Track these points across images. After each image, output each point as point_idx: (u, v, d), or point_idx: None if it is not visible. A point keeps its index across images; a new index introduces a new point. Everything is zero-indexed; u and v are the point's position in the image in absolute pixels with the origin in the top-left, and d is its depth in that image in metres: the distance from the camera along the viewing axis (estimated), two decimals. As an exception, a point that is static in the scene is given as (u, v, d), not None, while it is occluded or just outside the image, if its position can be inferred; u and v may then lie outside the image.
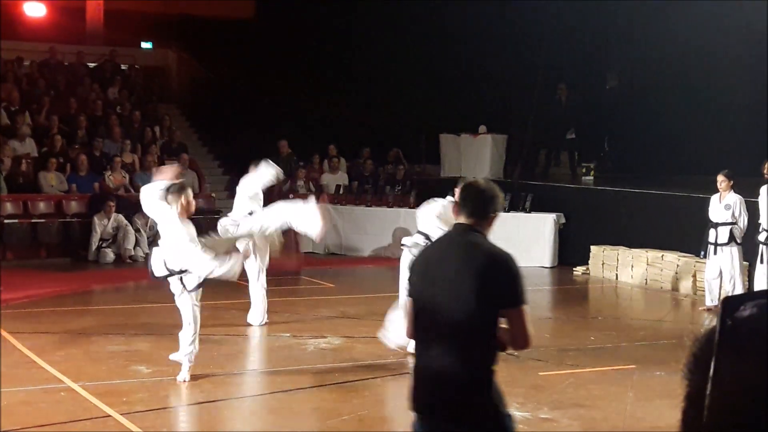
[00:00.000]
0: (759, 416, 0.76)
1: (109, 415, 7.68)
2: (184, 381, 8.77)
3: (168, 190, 8.80)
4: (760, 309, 0.79)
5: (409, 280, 4.77)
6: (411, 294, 4.71)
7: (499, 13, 20.52)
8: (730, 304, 0.81)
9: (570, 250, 17.28)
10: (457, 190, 4.90)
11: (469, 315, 4.44)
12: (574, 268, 16.91)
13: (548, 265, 17.44)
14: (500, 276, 4.48)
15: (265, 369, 9.41)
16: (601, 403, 8.50)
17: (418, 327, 4.65)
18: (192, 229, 8.72)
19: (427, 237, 10.12)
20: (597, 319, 13.08)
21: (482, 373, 4.50)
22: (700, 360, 0.82)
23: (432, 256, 4.79)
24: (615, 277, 16.05)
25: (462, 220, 4.65)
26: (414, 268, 4.80)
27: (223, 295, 14.13)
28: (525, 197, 18.14)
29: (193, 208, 8.89)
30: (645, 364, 9.49)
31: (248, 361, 9.78)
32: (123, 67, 24.68)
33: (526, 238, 17.74)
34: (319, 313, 12.52)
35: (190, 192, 8.89)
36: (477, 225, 4.61)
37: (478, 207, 4.64)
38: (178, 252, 8.72)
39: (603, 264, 16.35)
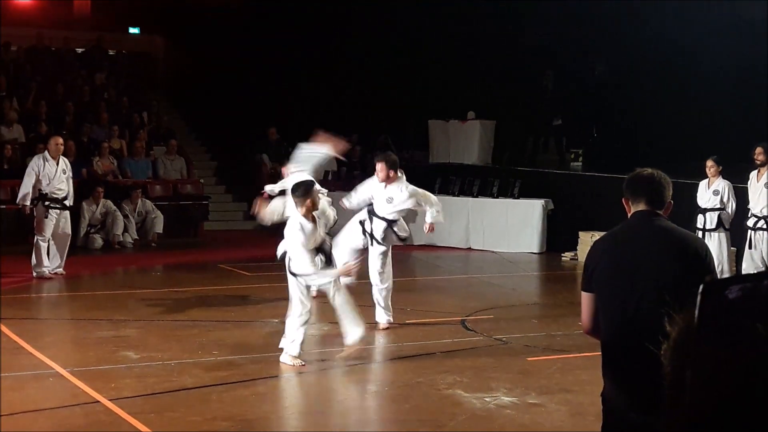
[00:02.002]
0: (739, 399, 0.76)
1: (98, 401, 7.67)
2: (284, 364, 8.95)
3: (294, 191, 8.92)
4: (739, 294, 0.80)
5: (590, 273, 4.67)
6: (595, 288, 4.61)
7: (489, 0, 20.51)
8: (709, 289, 0.81)
9: (558, 236, 17.32)
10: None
11: (677, 300, 4.34)
12: (562, 254, 16.95)
13: (536, 250, 17.48)
14: (700, 257, 4.45)
15: (255, 354, 9.41)
16: (588, 388, 8.51)
17: (610, 321, 4.51)
18: (309, 232, 8.80)
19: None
20: (585, 304, 13.10)
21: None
22: (681, 345, 0.82)
23: (618, 249, 4.62)
24: (603, 263, 16.07)
25: (641, 207, 4.60)
26: (597, 259, 4.67)
27: (211, 281, 14.14)
28: (513, 183, 18.16)
29: (317, 206, 9.05)
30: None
31: (237, 347, 9.77)
32: (110, 52, 24.61)
33: (515, 224, 17.78)
34: (321, 299, 12.51)
35: (315, 192, 8.98)
36: (657, 212, 4.58)
37: (660, 196, 4.61)
38: (287, 245, 9.04)
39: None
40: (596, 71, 20.80)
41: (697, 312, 0.80)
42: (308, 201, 8.82)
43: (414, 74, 21.49)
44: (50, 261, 14.20)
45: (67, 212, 14.46)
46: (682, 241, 4.50)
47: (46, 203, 14.06)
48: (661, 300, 4.35)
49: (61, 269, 14.35)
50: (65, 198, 14.31)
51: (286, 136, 21.26)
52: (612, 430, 4.57)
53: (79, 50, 24.14)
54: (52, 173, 14.11)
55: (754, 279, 0.81)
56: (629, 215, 4.66)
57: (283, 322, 11.12)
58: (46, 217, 14.07)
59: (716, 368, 0.77)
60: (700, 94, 18.25)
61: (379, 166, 11.01)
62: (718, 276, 12.48)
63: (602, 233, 15.43)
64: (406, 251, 17.79)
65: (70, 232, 14.52)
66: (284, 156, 20.66)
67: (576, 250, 16.68)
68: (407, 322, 11.28)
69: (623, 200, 4.74)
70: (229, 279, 14.39)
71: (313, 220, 8.93)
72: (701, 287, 0.81)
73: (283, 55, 22.93)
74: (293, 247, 8.84)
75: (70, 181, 14.60)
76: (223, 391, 8.15)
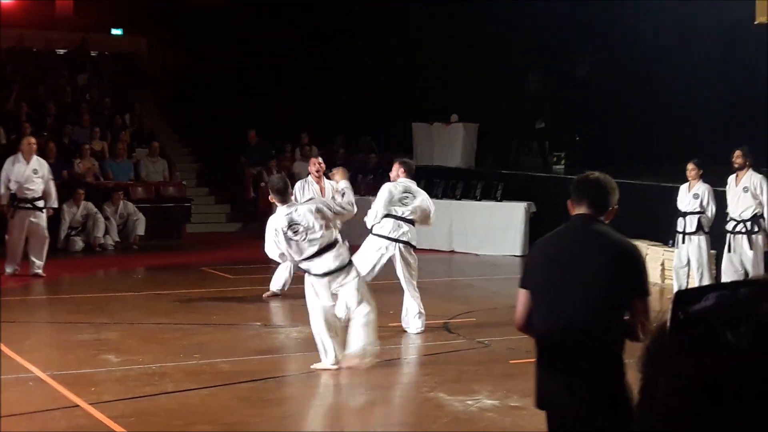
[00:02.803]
0: (711, 407, 0.76)
1: (78, 405, 7.64)
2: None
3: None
4: (710, 303, 0.80)
5: (526, 272, 4.72)
6: (528, 286, 4.65)
7: (471, 2, 20.53)
8: (681, 298, 0.81)
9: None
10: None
11: (601, 307, 4.40)
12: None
13: (519, 253, 17.49)
14: (632, 264, 4.48)
15: (236, 358, 9.39)
16: (570, 391, 8.54)
17: (541, 320, 4.59)
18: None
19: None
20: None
21: (616, 366, 4.44)
22: (653, 353, 0.82)
23: (552, 249, 4.70)
24: (585, 266, 16.11)
25: (581, 210, 4.63)
26: (532, 260, 4.75)
27: (193, 284, 14.10)
28: (496, 186, 18.19)
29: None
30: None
31: (219, 350, 9.75)
32: (93, 53, 24.53)
33: (498, 226, 17.81)
34: (289, 302, 12.51)
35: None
36: (597, 216, 4.62)
37: (602, 200, 4.65)
38: None
39: (573, 252, 16.42)
40: (579, 74, 20.87)
41: (669, 320, 0.80)
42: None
43: (398, 77, 21.50)
44: (32, 260, 14.22)
45: (41, 213, 14.36)
46: (614, 246, 4.53)
47: (15, 203, 14.07)
48: (587, 303, 4.41)
49: (40, 271, 14.30)
50: (37, 198, 14.25)
51: (269, 139, 21.26)
52: (552, 421, 4.63)
53: (61, 51, 24.05)
54: (21, 174, 14.08)
55: (725, 288, 0.81)
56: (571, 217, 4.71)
57: (266, 325, 11.11)
58: (12, 217, 14.08)
59: (687, 375, 0.77)
60: (681, 98, 18.32)
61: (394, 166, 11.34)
62: (685, 281, 12.51)
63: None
64: (388, 254, 17.79)
65: (45, 234, 14.45)
66: (264, 159, 20.68)
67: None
68: (390, 324, 11.27)
69: (568, 202, 4.80)
70: (211, 282, 14.36)
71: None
72: (673, 296, 0.81)
73: (266, 57, 22.90)
74: None
75: (51, 182, 14.54)
76: (205, 395, 8.13)
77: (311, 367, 8.79)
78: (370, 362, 8.53)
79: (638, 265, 4.53)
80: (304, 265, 8.72)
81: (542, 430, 7.43)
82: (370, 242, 11.00)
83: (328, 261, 8.67)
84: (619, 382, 4.41)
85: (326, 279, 8.65)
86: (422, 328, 10.71)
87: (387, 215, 10.99)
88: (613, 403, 4.43)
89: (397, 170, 11.23)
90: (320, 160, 12.96)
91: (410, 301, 10.79)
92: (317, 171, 12.58)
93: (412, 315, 10.74)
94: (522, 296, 4.69)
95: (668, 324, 0.81)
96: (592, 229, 4.58)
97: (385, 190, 11.14)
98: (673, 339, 0.79)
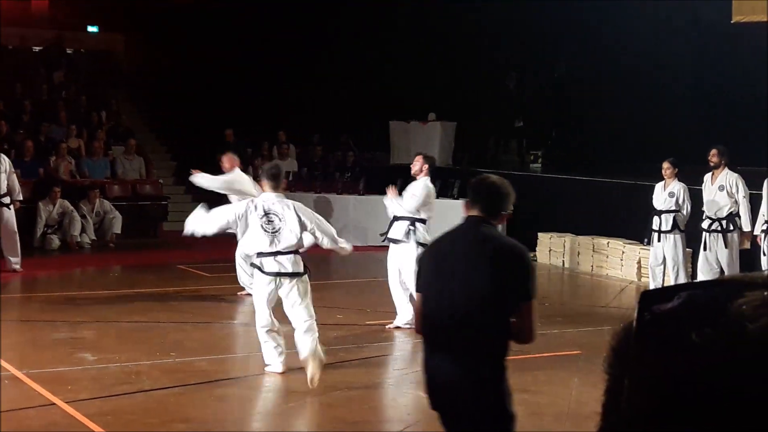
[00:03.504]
0: (676, 408, 0.78)
1: (54, 403, 7.61)
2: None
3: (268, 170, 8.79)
4: (676, 303, 0.81)
5: (418, 274, 4.74)
6: (420, 289, 4.67)
7: (449, 1, 20.56)
8: (648, 298, 0.82)
9: (518, 237, 17.16)
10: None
11: (483, 309, 4.41)
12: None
13: (496, 251, 17.52)
14: (515, 268, 4.48)
15: (214, 356, 9.38)
16: (546, 389, 8.58)
17: (428, 322, 4.62)
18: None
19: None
20: (543, 305, 13.16)
21: (494, 368, 4.48)
22: (619, 354, 0.83)
23: (441, 249, 4.74)
24: (562, 264, 16.19)
25: (473, 213, 4.64)
26: (423, 261, 4.77)
27: (169, 282, 14.06)
28: (473, 184, 18.21)
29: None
30: (590, 350, 9.57)
31: (195, 349, 9.73)
32: (69, 51, 24.40)
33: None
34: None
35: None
36: (489, 219, 4.62)
37: (493, 203, 4.65)
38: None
39: (550, 251, 16.49)
40: (556, 73, 20.94)
41: (635, 320, 0.81)
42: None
43: (376, 75, 21.50)
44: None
45: (9, 209, 14.33)
46: (501, 250, 4.55)
47: None
48: (470, 305, 4.44)
49: (18, 267, 14.31)
50: (2, 195, 14.25)
51: (247, 137, 21.19)
52: (443, 422, 4.67)
53: (37, 49, 23.92)
54: None
55: (698, 287, 0.82)
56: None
57: (245, 324, 11.09)
58: None
59: (653, 376, 0.78)
60: (657, 97, 18.42)
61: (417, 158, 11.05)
62: (661, 279, 12.58)
63: (562, 235, 15.54)
64: (366, 252, 17.78)
65: (15, 228, 14.43)
66: (242, 157, 20.62)
67: (535, 251, 16.77)
68: (368, 323, 11.29)
69: (463, 203, 4.85)
70: (188, 280, 14.32)
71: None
72: (639, 296, 0.82)
73: (244, 55, 22.85)
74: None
75: (13, 176, 14.54)
76: (181, 394, 8.12)
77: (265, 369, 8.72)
78: (316, 369, 8.27)
79: (525, 268, 4.53)
80: (257, 260, 8.50)
81: (519, 429, 7.45)
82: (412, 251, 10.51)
83: (283, 262, 8.43)
84: (497, 386, 4.44)
85: (273, 280, 8.42)
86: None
87: (425, 219, 10.82)
88: (488, 407, 4.46)
89: (421, 165, 10.91)
90: (236, 157, 12.78)
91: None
92: (231, 168, 12.49)
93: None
94: (418, 299, 4.72)
95: (634, 324, 0.82)
96: (481, 231, 4.60)
97: (430, 189, 10.94)
98: (639, 339, 0.80)
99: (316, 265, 16.68)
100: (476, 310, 4.41)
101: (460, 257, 4.54)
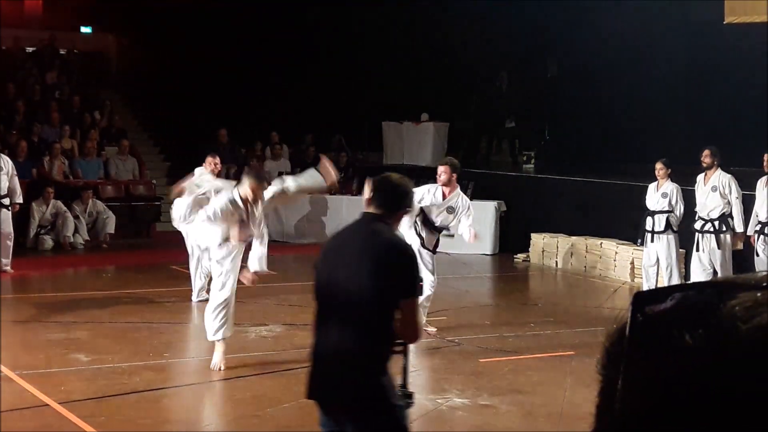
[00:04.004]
0: (668, 410, 0.78)
1: (47, 404, 7.61)
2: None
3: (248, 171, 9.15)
4: (670, 304, 0.82)
5: (315, 266, 4.80)
6: (315, 280, 4.73)
7: (441, 1, 20.57)
8: (640, 299, 0.83)
9: (511, 238, 17.41)
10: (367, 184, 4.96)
11: (365, 303, 4.45)
12: (514, 256, 17.04)
13: (489, 252, 17.55)
14: (396, 266, 4.49)
15: (206, 357, 9.37)
16: (540, 389, 8.59)
17: (318, 313, 4.67)
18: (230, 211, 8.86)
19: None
20: (537, 306, 13.21)
21: (375, 362, 4.50)
22: (612, 355, 0.84)
23: (335, 243, 4.82)
24: (555, 265, 16.21)
25: (370, 210, 4.66)
26: (320, 254, 4.84)
27: (162, 282, 14.05)
28: (467, 185, 18.20)
29: (258, 197, 9.00)
30: (583, 350, 9.61)
31: (188, 349, 9.73)
32: (62, 51, 24.37)
33: (468, 225, 17.84)
34: (260, 301, 12.49)
35: (264, 184, 9.01)
36: (385, 217, 4.64)
37: (389, 201, 4.67)
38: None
39: (543, 251, 16.51)
40: (549, 73, 20.96)
41: (628, 321, 0.82)
42: (254, 186, 8.74)
43: (368, 75, 21.51)
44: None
45: (7, 210, 14.35)
46: (384, 246, 4.57)
47: None
48: (353, 301, 4.48)
49: (8, 268, 14.29)
50: (2, 196, 14.25)
51: (239, 138, 21.19)
52: (321, 414, 4.69)
53: (30, 49, 23.88)
54: None
55: (685, 289, 0.83)
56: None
57: (236, 324, 11.08)
58: None
59: (645, 377, 0.79)
60: (650, 97, 18.44)
61: (442, 169, 10.77)
62: (654, 279, 12.59)
63: (555, 235, 15.54)
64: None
65: (11, 230, 14.45)
66: (234, 158, 20.61)
67: (528, 251, 16.79)
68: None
69: (365, 199, 4.92)
70: (180, 280, 14.28)
71: (246, 209, 8.83)
72: (632, 297, 0.83)
73: (236, 56, 22.83)
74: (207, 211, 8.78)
75: (15, 178, 14.58)
76: (174, 394, 8.11)
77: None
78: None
79: (406, 265, 4.54)
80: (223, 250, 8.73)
81: (512, 429, 7.48)
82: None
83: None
84: (377, 379, 4.47)
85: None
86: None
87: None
88: (367, 400, 4.50)
89: (449, 175, 10.80)
90: (217, 160, 12.73)
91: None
92: (212, 171, 12.46)
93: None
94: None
95: (627, 325, 0.82)
96: (371, 228, 4.64)
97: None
98: (632, 340, 0.81)
99: (309, 267, 16.71)
100: (358, 305, 4.46)
101: (347, 253, 4.60)
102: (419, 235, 10.53)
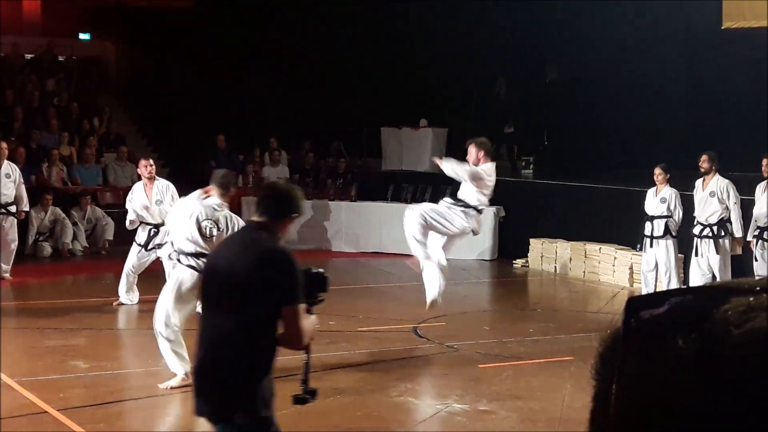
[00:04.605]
0: (662, 416, 0.78)
1: (46, 411, 7.60)
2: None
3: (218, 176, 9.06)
4: (663, 310, 0.82)
5: (203, 272, 4.82)
6: (200, 290, 4.75)
7: (440, 7, 20.59)
8: (634, 304, 0.83)
9: (510, 243, 17.41)
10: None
11: (241, 313, 4.45)
12: (513, 261, 17.04)
13: (488, 257, 17.55)
14: (274, 273, 4.49)
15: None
16: (539, 395, 8.59)
17: (201, 323, 4.67)
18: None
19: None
20: (536, 311, 13.21)
21: (248, 370, 4.50)
22: (606, 360, 0.84)
23: (217, 253, 4.85)
24: (554, 270, 16.20)
25: (255, 218, 4.68)
26: (205, 264, 4.88)
27: (161, 289, 14.02)
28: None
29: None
30: (582, 356, 9.60)
31: (188, 356, 9.70)
32: (60, 58, 24.38)
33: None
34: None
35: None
36: (269, 224, 4.63)
37: (272, 208, 4.67)
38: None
39: (542, 257, 16.50)
40: (548, 79, 20.98)
41: (622, 326, 0.82)
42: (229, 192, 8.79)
43: (367, 81, 21.52)
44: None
45: (12, 218, 14.37)
46: (262, 254, 4.56)
47: None
48: (230, 309, 4.49)
49: (7, 275, 14.28)
50: (9, 204, 14.25)
51: (238, 144, 21.20)
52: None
53: (29, 56, 23.89)
54: None
55: (678, 294, 0.83)
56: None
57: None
58: None
59: (638, 381, 0.79)
60: (648, 102, 18.46)
61: (469, 149, 10.77)
62: (653, 284, 12.61)
63: (553, 241, 15.50)
64: (357, 258, 17.80)
65: (15, 238, 14.48)
66: (233, 164, 20.63)
67: (527, 257, 16.79)
68: (359, 329, 11.29)
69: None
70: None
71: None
72: (626, 302, 0.83)
73: (235, 62, 22.86)
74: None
75: (22, 186, 14.60)
76: (172, 401, 8.10)
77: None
78: None
79: (286, 273, 4.52)
80: (186, 260, 8.62)
81: (511, 434, 7.47)
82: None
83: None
84: (252, 389, 4.46)
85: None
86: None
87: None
88: (240, 410, 4.49)
89: (476, 153, 10.73)
90: (151, 161, 12.80)
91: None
92: (149, 173, 12.56)
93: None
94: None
95: (621, 330, 0.82)
96: (251, 236, 4.68)
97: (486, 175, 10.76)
98: (625, 345, 0.81)
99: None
100: (234, 314, 4.47)
101: (227, 261, 4.60)
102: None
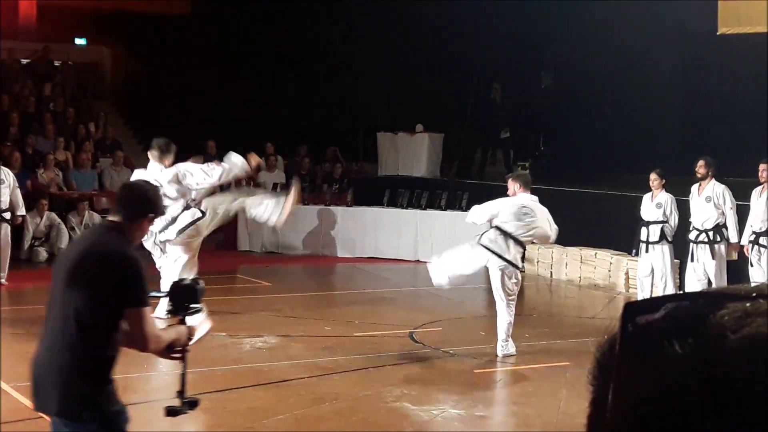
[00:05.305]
0: (658, 422, 0.78)
1: (41, 416, 7.58)
2: None
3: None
4: (660, 314, 0.82)
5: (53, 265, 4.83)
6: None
7: (435, 12, 20.61)
8: (631, 309, 0.83)
9: (506, 248, 17.38)
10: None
11: (77, 313, 4.42)
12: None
13: (484, 263, 17.51)
14: (114, 275, 4.46)
15: (200, 368, 9.35)
16: (534, 400, 8.59)
17: (46, 313, 4.65)
18: None
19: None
20: (531, 316, 13.21)
21: (87, 371, 4.47)
22: (603, 366, 0.84)
23: (69, 246, 4.85)
24: (549, 275, 16.21)
25: (110, 217, 4.68)
26: (58, 255, 4.89)
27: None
28: (461, 196, 18.24)
29: None
30: (578, 361, 9.60)
31: (183, 361, 9.70)
32: (57, 63, 24.39)
33: (463, 236, 17.83)
34: (255, 312, 12.49)
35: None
36: (123, 225, 4.61)
37: (127, 207, 4.66)
38: None
39: (538, 262, 16.51)
40: (543, 84, 20.99)
41: (619, 331, 0.82)
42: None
43: (363, 86, 21.53)
44: None
45: (6, 224, 14.37)
46: (104, 255, 4.53)
47: None
48: (69, 309, 4.48)
49: (3, 280, 14.29)
50: (4, 210, 14.24)
51: (234, 149, 21.16)
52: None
53: (25, 61, 23.89)
54: None
55: (675, 299, 0.83)
56: None
57: (231, 335, 11.09)
58: None
59: (635, 387, 0.79)
60: (644, 107, 18.47)
61: (508, 183, 10.53)
62: (649, 289, 12.61)
63: (549, 246, 15.44)
64: (353, 263, 17.79)
65: (9, 242, 14.48)
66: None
67: (523, 262, 16.76)
68: (355, 334, 11.29)
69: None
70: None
71: None
72: (623, 307, 0.83)
73: (230, 66, 22.87)
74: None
75: (17, 190, 14.58)
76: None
77: None
78: None
79: (128, 274, 4.50)
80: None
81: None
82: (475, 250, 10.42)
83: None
84: (85, 393, 4.44)
85: None
86: (506, 353, 10.11)
87: (497, 227, 10.35)
88: (75, 414, 4.48)
89: (513, 187, 10.46)
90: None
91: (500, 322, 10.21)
92: None
93: (499, 339, 10.20)
94: None
95: (617, 335, 0.82)
96: (99, 236, 4.68)
97: (500, 200, 10.55)
98: (622, 351, 0.81)
99: (304, 278, 16.71)
100: (70, 314, 4.44)
101: (71, 259, 4.59)
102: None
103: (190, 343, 4.68)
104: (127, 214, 4.62)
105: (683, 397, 0.77)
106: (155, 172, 10.86)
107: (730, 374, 0.76)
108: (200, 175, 10.87)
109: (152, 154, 11.18)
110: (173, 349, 4.65)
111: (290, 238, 18.97)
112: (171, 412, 4.78)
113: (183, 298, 4.62)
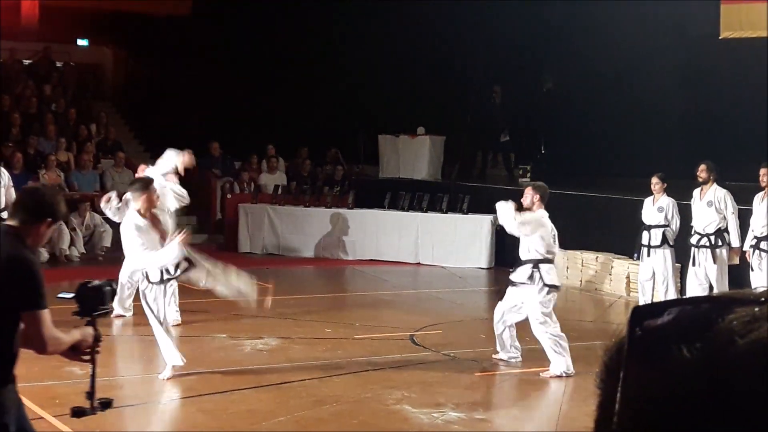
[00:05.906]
0: (666, 425, 0.78)
1: (42, 417, 7.58)
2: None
3: (131, 185, 9.14)
4: (668, 319, 0.82)
5: None
6: None
7: (437, 15, 20.62)
8: (639, 313, 0.83)
9: (506, 252, 17.35)
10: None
11: None
12: (510, 269, 16.98)
13: (485, 266, 17.55)
14: (9, 279, 4.44)
15: (201, 370, 9.35)
16: (535, 403, 8.59)
17: None
18: (144, 231, 8.78)
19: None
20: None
21: None
22: (610, 369, 0.84)
23: None
24: (550, 279, 16.18)
25: (9, 221, 4.65)
26: None
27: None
28: (462, 198, 18.24)
29: (155, 204, 8.99)
30: (579, 365, 9.59)
31: (185, 363, 9.69)
32: (58, 64, 24.39)
33: (464, 239, 17.86)
34: (255, 314, 12.47)
35: (153, 189, 9.03)
36: (21, 229, 4.58)
37: (23, 211, 4.63)
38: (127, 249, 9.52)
39: (539, 265, 16.48)
40: (544, 87, 20.99)
41: (626, 335, 0.82)
42: (144, 197, 8.81)
43: (364, 89, 21.53)
44: None
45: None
46: (3, 259, 4.48)
47: None
48: None
49: None
50: (1, 210, 14.24)
51: (236, 151, 21.19)
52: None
53: (26, 61, 23.90)
54: None
55: (683, 303, 0.83)
56: None
57: (232, 337, 11.09)
58: None
59: (643, 391, 0.79)
60: (646, 111, 18.47)
61: (526, 191, 10.02)
62: (650, 294, 12.60)
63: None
64: (354, 265, 17.79)
65: None
66: (229, 171, 20.64)
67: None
68: (355, 337, 11.28)
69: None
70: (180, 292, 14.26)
71: (152, 218, 8.88)
72: (631, 311, 0.83)
73: (231, 67, 22.86)
74: (131, 247, 8.82)
75: (12, 190, 14.56)
76: (168, 407, 8.09)
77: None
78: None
79: (26, 277, 4.50)
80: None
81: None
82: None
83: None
84: None
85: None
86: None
87: (550, 260, 9.91)
88: None
89: (532, 197, 9.99)
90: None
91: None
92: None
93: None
94: None
95: (625, 339, 0.82)
96: None
97: (547, 221, 10.01)
98: (630, 355, 0.81)
99: (305, 280, 16.71)
100: None
101: None
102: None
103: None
104: (24, 218, 4.59)
105: (691, 401, 0.76)
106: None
107: (738, 378, 0.75)
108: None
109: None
110: (80, 351, 4.63)
111: (291, 240, 18.97)
112: (75, 413, 4.76)
113: (92, 300, 4.60)
